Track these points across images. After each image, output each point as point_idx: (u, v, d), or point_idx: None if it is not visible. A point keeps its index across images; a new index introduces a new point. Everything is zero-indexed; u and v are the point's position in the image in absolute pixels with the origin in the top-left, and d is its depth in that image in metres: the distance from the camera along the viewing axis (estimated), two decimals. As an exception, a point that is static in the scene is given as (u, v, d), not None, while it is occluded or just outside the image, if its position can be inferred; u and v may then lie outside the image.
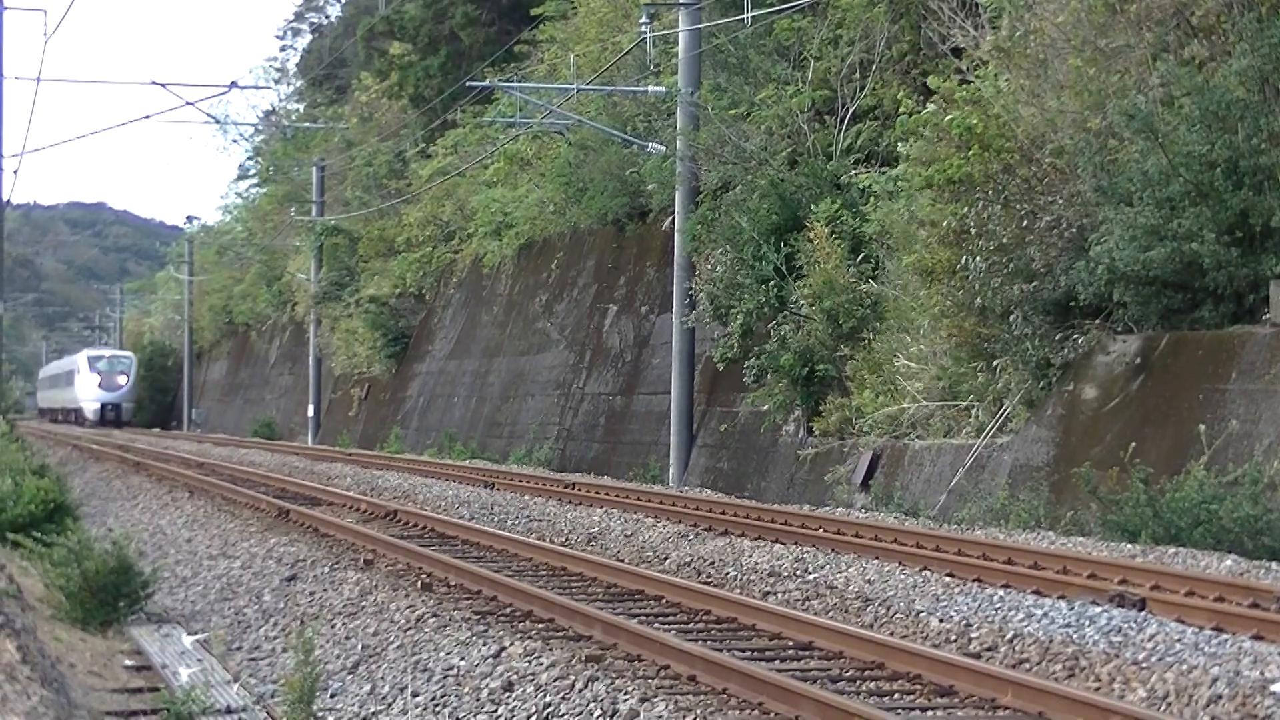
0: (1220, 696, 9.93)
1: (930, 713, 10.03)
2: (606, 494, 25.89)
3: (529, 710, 10.50)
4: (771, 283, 28.10)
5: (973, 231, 22.18)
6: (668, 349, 32.53)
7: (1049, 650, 11.59)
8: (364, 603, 15.38)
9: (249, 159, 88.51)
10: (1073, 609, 12.72)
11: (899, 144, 25.75)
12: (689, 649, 11.31)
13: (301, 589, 17.00)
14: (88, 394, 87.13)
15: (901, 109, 25.57)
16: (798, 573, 15.89)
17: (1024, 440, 21.42)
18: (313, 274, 61.10)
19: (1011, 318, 21.62)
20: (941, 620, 12.90)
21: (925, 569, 15.63)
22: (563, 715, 10.26)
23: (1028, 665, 11.45)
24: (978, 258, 21.91)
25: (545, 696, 10.65)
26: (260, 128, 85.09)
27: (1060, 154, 21.76)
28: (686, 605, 14.11)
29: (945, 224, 22.85)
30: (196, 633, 14.98)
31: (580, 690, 10.60)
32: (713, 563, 17.26)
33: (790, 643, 12.28)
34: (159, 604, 16.73)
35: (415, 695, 11.49)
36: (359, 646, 13.50)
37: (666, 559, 18.13)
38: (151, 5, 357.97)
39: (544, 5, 47.26)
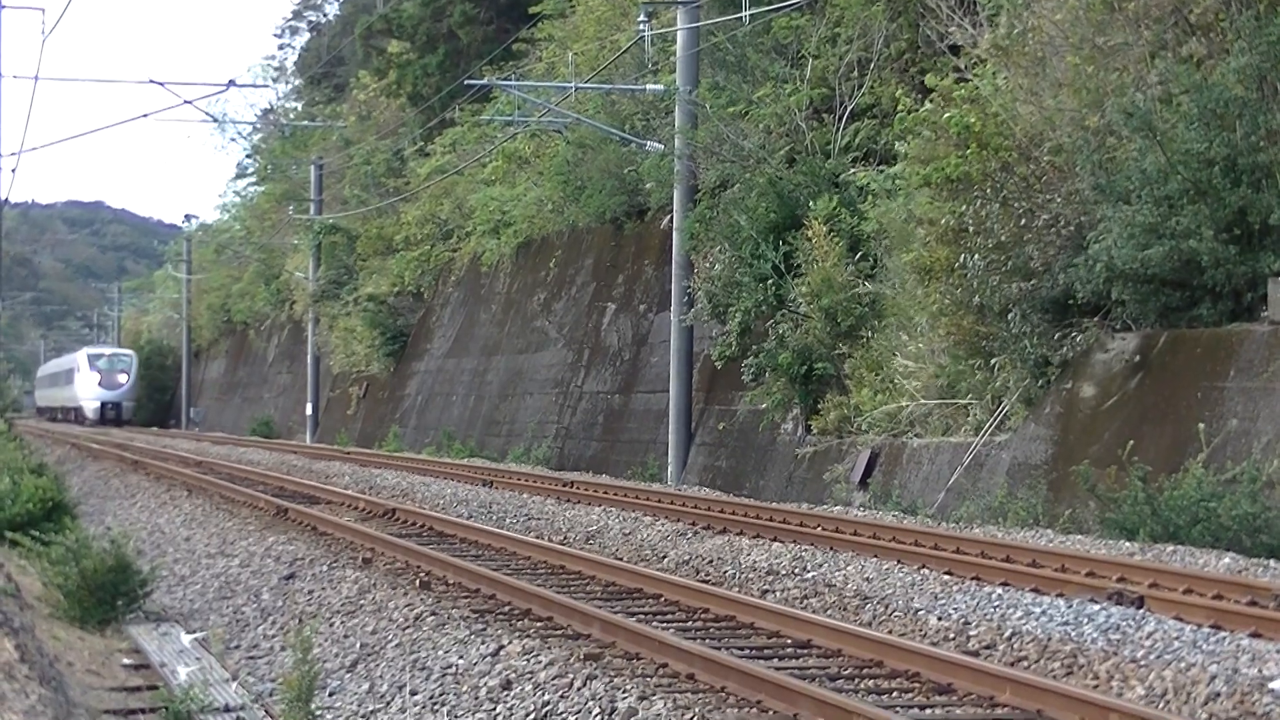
0: (1218, 694, 9.94)
1: (929, 710, 10.03)
2: (605, 492, 25.89)
3: (527, 708, 10.50)
4: (770, 281, 28.11)
5: (971, 229, 22.19)
6: (666, 347, 32.53)
7: (1047, 648, 11.60)
8: (362, 601, 15.38)
9: (247, 157, 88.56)
10: (1071, 607, 12.72)
11: (897, 142, 25.76)
12: (687, 647, 11.31)
13: (300, 587, 17.00)
14: (88, 393, 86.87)
15: (900, 107, 25.58)
16: (796, 571, 15.89)
17: (1022, 438, 21.42)
18: (311, 272, 61.09)
19: (1010, 316, 21.63)
20: (940, 618, 12.91)
21: (924, 567, 15.64)
22: (561, 713, 10.26)
23: (1026, 663, 11.45)
24: (976, 256, 21.91)
25: (544, 695, 10.65)
26: (258, 126, 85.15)
27: (1058, 152, 21.76)
28: (685, 603, 14.12)
29: (943, 222, 22.85)
30: (195, 631, 14.98)
31: (579, 688, 10.60)
32: (711, 561, 17.26)
33: (788, 641, 12.28)
34: (157, 602, 16.74)
35: (414, 694, 11.49)
36: (357, 645, 13.51)
37: (665, 557, 18.13)
38: (149, 4, 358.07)
39: (542, 4, 47.25)
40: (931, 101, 24.38)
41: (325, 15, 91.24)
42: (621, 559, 17.84)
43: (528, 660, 11.58)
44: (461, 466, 34.35)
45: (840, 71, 29.49)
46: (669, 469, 31.42)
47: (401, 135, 57.50)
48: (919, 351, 24.65)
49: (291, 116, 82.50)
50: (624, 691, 10.36)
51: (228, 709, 11.31)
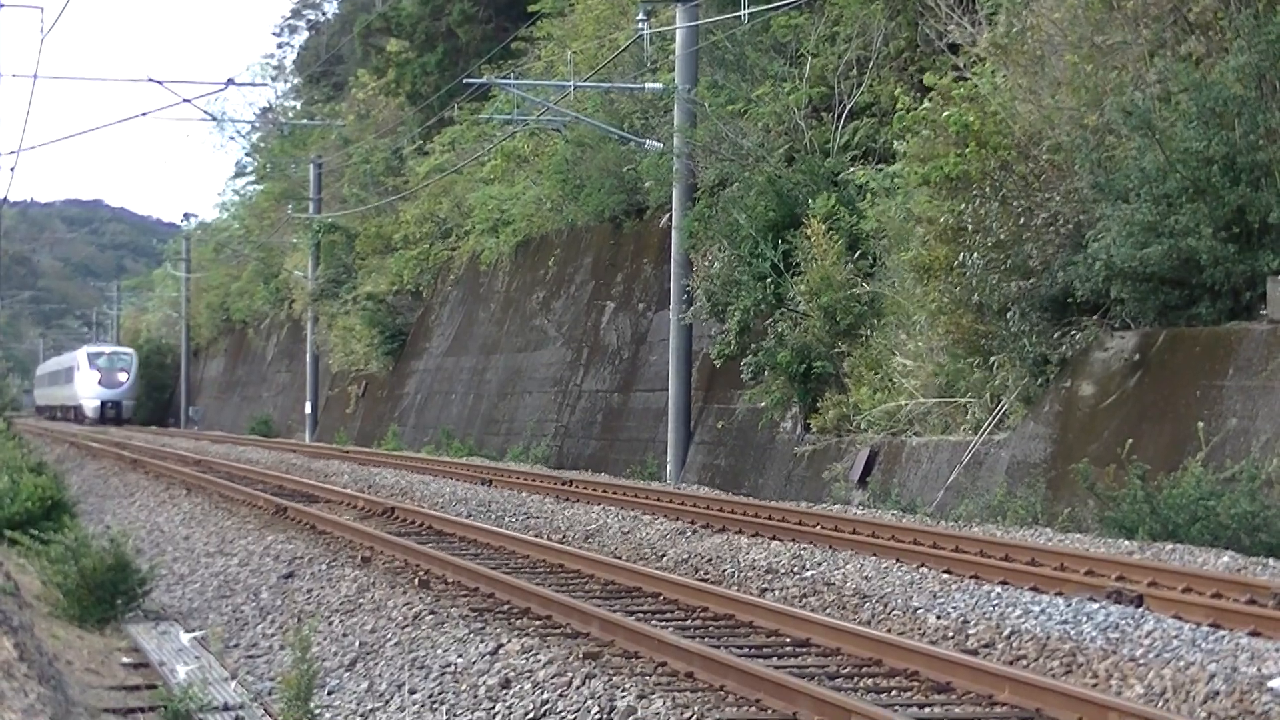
0: (1217, 693, 9.94)
1: (928, 709, 10.03)
2: (604, 491, 25.89)
3: (526, 707, 10.50)
4: (769, 279, 28.11)
5: (970, 228, 22.18)
6: (665, 346, 32.53)
7: (1046, 647, 11.60)
8: (361, 600, 15.38)
9: (246, 156, 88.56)
10: (1070, 605, 12.72)
11: (895, 141, 25.75)
12: (686, 646, 11.31)
13: (299, 586, 17.00)
14: (88, 391, 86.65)
15: (898, 106, 25.57)
16: (795, 569, 15.89)
17: (1021, 437, 21.42)
18: (310, 271, 61.09)
19: (1009, 314, 21.62)
20: (939, 617, 12.91)
21: (922, 566, 15.63)
22: (560, 712, 10.26)
23: (1025, 662, 11.45)
24: (975, 254, 21.91)
25: (542, 693, 10.65)
26: (257, 125, 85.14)
27: (1057, 150, 21.76)
28: (684, 602, 14.12)
29: (942, 221, 22.86)
30: (194, 630, 14.98)
31: (577, 687, 10.60)
32: (710, 559, 17.26)
33: (787, 639, 12.29)
34: (156, 601, 16.75)
35: (413, 692, 11.50)
36: (356, 644, 13.51)
37: (664, 556, 18.13)
38: (148, 2, 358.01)
39: (541, 2, 47.23)
40: (930, 100, 24.38)
41: (324, 14, 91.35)
42: (620, 557, 17.84)
43: (526, 659, 11.58)
44: (460, 465, 34.35)
45: (839, 70, 29.49)
46: (668, 467, 31.42)
47: (400, 134, 57.50)
48: (918, 350, 24.66)
49: (290, 115, 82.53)
50: (623, 690, 10.36)
51: (227, 708, 11.31)
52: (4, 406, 52.77)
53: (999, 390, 22.46)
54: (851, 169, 28.46)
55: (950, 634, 12.46)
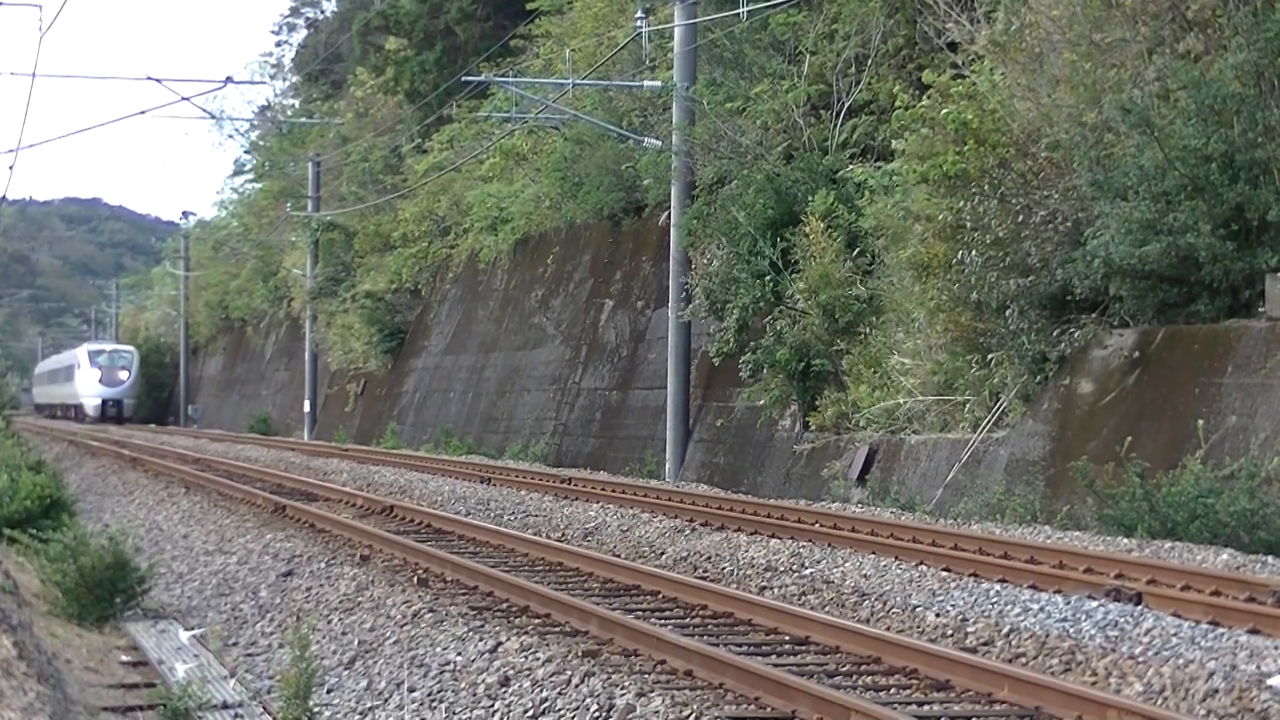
0: (1217, 690, 9.94)
1: (927, 707, 10.03)
2: (603, 489, 25.89)
3: (525, 705, 10.50)
4: (767, 277, 28.11)
5: (969, 226, 22.18)
6: (664, 344, 32.53)
7: (1045, 645, 11.60)
8: (360, 598, 15.38)
9: (245, 153, 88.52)
10: (1069, 603, 12.72)
11: (894, 140, 25.75)
12: (685, 644, 11.30)
13: (298, 584, 17.00)
14: (88, 390, 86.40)
15: (897, 103, 25.57)
16: (794, 567, 15.89)
17: (1020, 435, 21.42)
18: (309, 269, 61.09)
19: (1007, 312, 21.62)
20: (938, 615, 12.91)
21: (921, 564, 15.64)
22: (559, 710, 10.26)
23: (1024, 660, 11.45)
24: (974, 252, 21.91)
25: (541, 691, 10.65)
26: (256, 123, 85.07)
27: (1056, 148, 21.75)
28: (683, 600, 14.12)
29: (941, 218, 22.85)
30: (193, 628, 14.98)
31: (576, 685, 10.60)
32: (709, 557, 17.26)
33: (787, 637, 12.29)
34: (155, 600, 16.75)
35: (412, 691, 11.50)
36: (355, 642, 13.51)
37: (663, 554, 18.13)
38: (146, 1, 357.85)
39: (539, 0, 47.23)
40: (929, 98, 24.38)
41: (323, 12, 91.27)
42: (619, 556, 17.84)
43: (526, 657, 11.58)
44: (459, 463, 34.35)
45: (838, 68, 29.48)
46: (667, 465, 31.42)
47: (399, 132, 57.46)
48: (916, 348, 24.66)
49: (289, 113, 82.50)
50: (622, 688, 10.36)
51: (226, 706, 11.31)
52: (3, 405, 52.72)
53: (998, 388, 22.46)
54: (850, 167, 28.45)
55: (949, 632, 12.46)
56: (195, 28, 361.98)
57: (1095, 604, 12.68)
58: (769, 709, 9.95)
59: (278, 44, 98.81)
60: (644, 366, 35.26)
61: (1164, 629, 11.58)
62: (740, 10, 29.43)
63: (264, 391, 74.52)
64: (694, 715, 9.70)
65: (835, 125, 29.41)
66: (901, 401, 24.48)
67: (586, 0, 43.18)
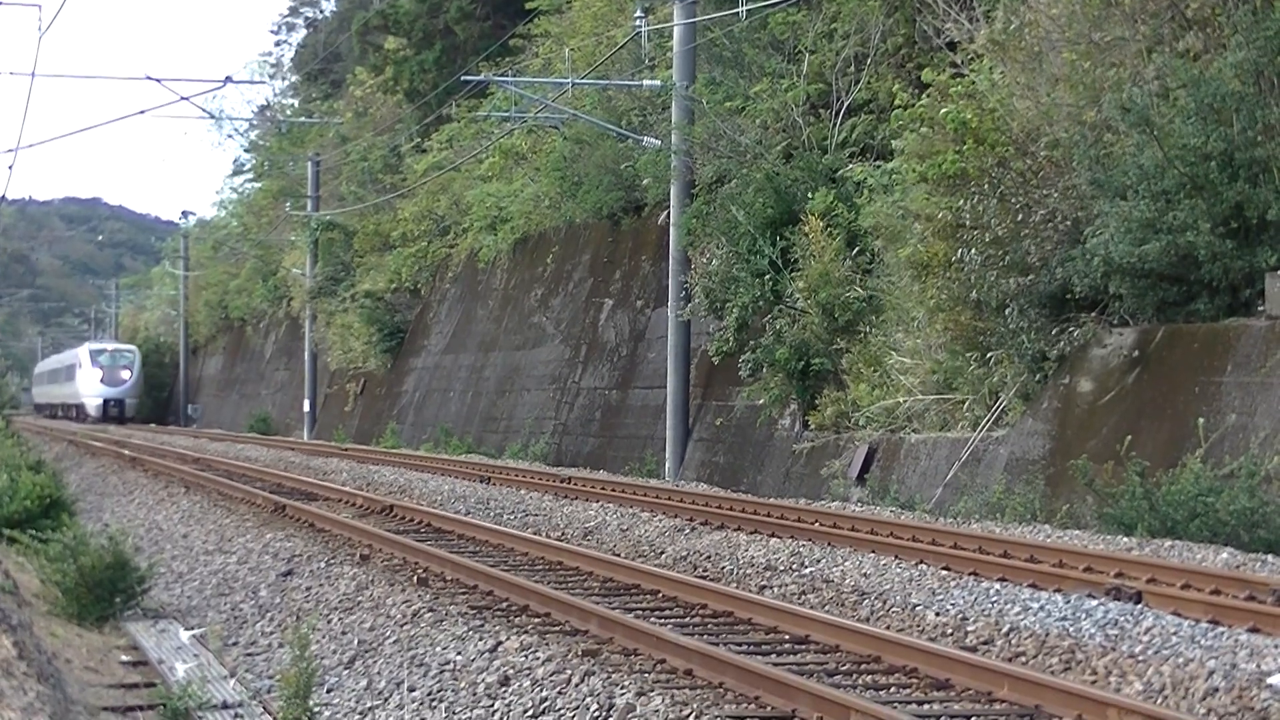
0: (1217, 689, 9.94)
1: (927, 706, 10.03)
2: (602, 488, 25.89)
3: (525, 705, 10.50)
4: (767, 276, 28.11)
5: (968, 225, 22.18)
6: (663, 343, 32.53)
7: (1045, 643, 11.60)
8: (360, 598, 15.38)
9: (246, 152, 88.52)
10: (1069, 602, 12.73)
11: (893, 139, 25.74)
12: (685, 643, 11.30)
13: (298, 584, 17.00)
14: (90, 389, 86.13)
15: (896, 102, 25.57)
16: (794, 566, 15.89)
17: (1020, 433, 21.42)
18: (308, 269, 61.08)
19: (1007, 311, 21.62)
20: (938, 614, 12.91)
21: (921, 562, 15.64)
22: (559, 710, 10.26)
23: (1024, 658, 11.45)
24: (973, 251, 21.91)
25: (541, 691, 10.65)
26: (255, 123, 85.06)
27: (1055, 147, 21.75)
28: (683, 599, 14.12)
29: (940, 217, 22.85)
30: (193, 628, 14.98)
31: (576, 685, 10.60)
32: (709, 557, 17.26)
33: (786, 636, 12.29)
34: (155, 599, 16.74)
35: (412, 690, 11.49)
36: (355, 641, 13.50)
37: (663, 553, 18.13)
38: (146, 1, 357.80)
39: (538, 0, 47.22)
40: (928, 97, 24.37)
41: (322, 11, 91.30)
42: (619, 555, 17.85)
43: (525, 656, 11.58)
44: (459, 463, 34.35)
45: (837, 67, 29.48)
46: (666, 465, 31.42)
47: (398, 131, 57.46)
48: (916, 347, 24.66)
49: (288, 113, 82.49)
50: (622, 687, 10.36)
51: (226, 706, 11.31)
52: (3, 405, 52.73)
53: (997, 387, 22.46)
54: (849, 166, 28.45)
55: (949, 631, 12.46)
56: (194, 28, 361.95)
57: (1095, 603, 12.68)
58: (769, 708, 9.95)
59: (277, 44, 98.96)
60: (643, 366, 35.26)
61: (1164, 628, 11.58)
62: (739, 9, 29.43)
63: (264, 391, 74.52)
64: (694, 714, 9.70)
65: (834, 124, 29.41)
66: (901, 400, 24.48)
67: (585, 0, 43.18)
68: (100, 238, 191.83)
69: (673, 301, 31.56)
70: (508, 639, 12.22)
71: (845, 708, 9.38)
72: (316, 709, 10.39)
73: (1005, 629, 12.11)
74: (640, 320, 36.21)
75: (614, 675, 10.81)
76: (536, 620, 13.38)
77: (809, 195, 27.83)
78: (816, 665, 11.19)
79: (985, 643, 11.96)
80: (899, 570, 15.05)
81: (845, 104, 29.35)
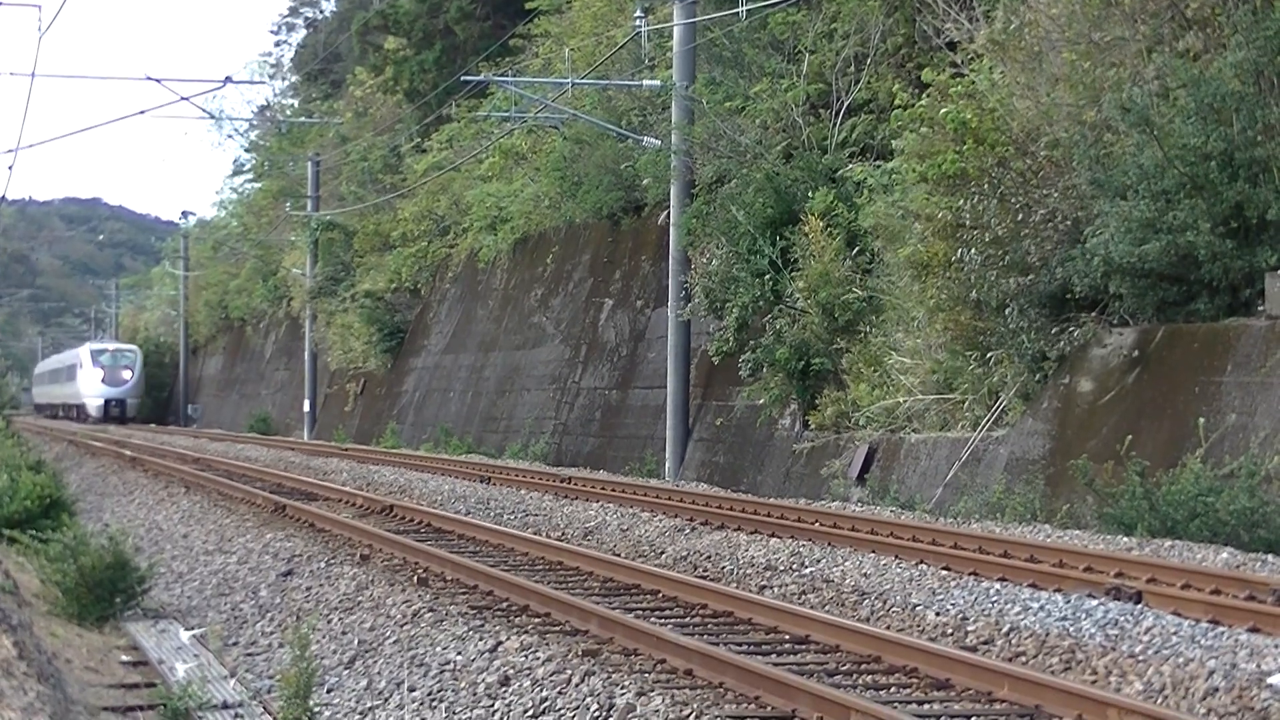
0: (1217, 689, 9.94)
1: (927, 706, 10.03)
2: (602, 488, 25.89)
3: (525, 705, 10.50)
4: (767, 276, 28.11)
5: (968, 224, 22.18)
6: (663, 343, 32.53)
7: (1045, 643, 11.60)
8: (360, 598, 15.38)
9: (246, 152, 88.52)
10: (1069, 602, 12.73)
11: (893, 140, 25.74)
12: (685, 643, 11.30)
13: (298, 584, 17.00)
14: (91, 389, 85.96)
15: (896, 102, 25.56)
16: (794, 566, 15.89)
17: (1020, 433, 21.42)
18: (308, 269, 61.07)
19: (1007, 311, 21.62)
20: (938, 614, 12.91)
21: (921, 562, 15.64)
22: (559, 710, 10.26)
23: (1024, 658, 11.45)
24: (973, 251, 21.91)
25: (542, 691, 10.65)
26: (255, 123, 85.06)
27: (1055, 147, 21.75)
28: (683, 599, 14.12)
29: (940, 217, 22.85)
30: (193, 628, 14.98)
31: (576, 684, 10.60)
32: (709, 557, 17.26)
33: (787, 636, 12.29)
34: (155, 599, 16.74)
35: (412, 690, 11.49)
36: (355, 641, 13.51)
37: (663, 553, 18.13)
38: (146, 1, 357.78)
39: (538, 0, 47.22)
40: (928, 97, 24.37)
41: (322, 12, 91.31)
42: (619, 555, 17.85)
43: (526, 656, 11.58)
44: (459, 463, 34.35)
45: (837, 67, 29.48)
46: (666, 465, 31.42)
47: (398, 131, 57.46)
48: (916, 347, 24.66)
49: (288, 113, 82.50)
50: (622, 687, 10.36)
51: (226, 706, 11.31)
52: (3, 405, 52.72)
53: (997, 387, 22.46)
54: (849, 165, 28.45)
55: (949, 631, 12.46)
56: (195, 28, 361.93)
57: (1095, 602, 12.68)
58: (769, 708, 9.95)
59: (277, 44, 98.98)
60: (643, 366, 35.26)
61: (1164, 627, 11.58)
62: (739, 9, 29.43)
63: (264, 391, 74.52)
64: (694, 714, 9.70)
65: (834, 124, 29.41)
66: (901, 400, 24.49)
67: (585, 0, 43.18)
68: (100, 238, 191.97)
69: (673, 301, 31.56)
70: (508, 639, 12.22)
71: (845, 708, 9.38)
72: (316, 709, 10.39)
73: (1005, 629, 12.11)
74: (640, 320, 36.21)
75: (614, 675, 10.81)
76: (537, 620, 13.38)
77: (809, 195, 27.83)
78: (816, 665, 11.19)
79: (985, 642, 11.96)
80: (899, 570, 15.06)
81: (845, 104, 29.35)
